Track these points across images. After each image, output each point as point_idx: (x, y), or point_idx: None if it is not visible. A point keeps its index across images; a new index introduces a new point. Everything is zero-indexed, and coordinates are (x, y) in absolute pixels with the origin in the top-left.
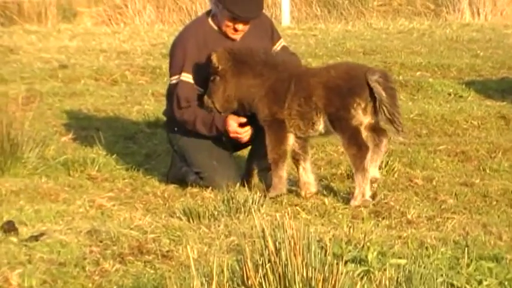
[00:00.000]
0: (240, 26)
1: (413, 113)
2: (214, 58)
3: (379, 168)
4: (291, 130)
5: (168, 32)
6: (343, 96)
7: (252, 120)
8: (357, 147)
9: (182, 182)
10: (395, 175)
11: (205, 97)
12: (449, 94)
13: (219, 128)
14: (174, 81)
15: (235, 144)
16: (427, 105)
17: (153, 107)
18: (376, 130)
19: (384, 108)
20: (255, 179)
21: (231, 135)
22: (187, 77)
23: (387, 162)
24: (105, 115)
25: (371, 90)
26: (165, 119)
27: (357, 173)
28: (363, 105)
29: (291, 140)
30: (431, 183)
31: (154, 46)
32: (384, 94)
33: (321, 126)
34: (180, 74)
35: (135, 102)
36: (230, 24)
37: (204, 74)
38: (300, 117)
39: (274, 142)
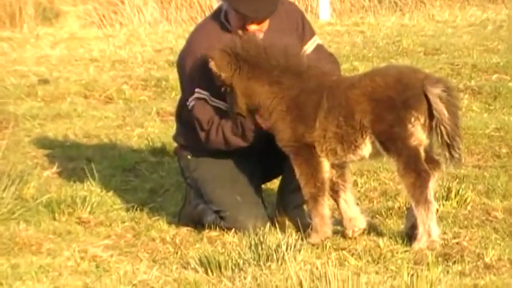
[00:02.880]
0: (252, 27)
1: (490, 128)
2: (212, 66)
3: (447, 199)
4: (323, 155)
5: (175, 33)
6: (397, 109)
7: None
8: (416, 173)
9: (198, 224)
10: (469, 207)
11: (228, 109)
12: None
13: (251, 128)
14: (191, 104)
15: (265, 170)
16: (508, 116)
17: (159, 130)
18: (427, 159)
19: (443, 129)
20: (289, 218)
21: (265, 127)
22: (201, 94)
23: (458, 190)
24: (98, 142)
25: (429, 104)
26: (175, 144)
27: (418, 207)
28: (422, 120)
29: (327, 166)
30: None
31: (158, 52)
32: (445, 113)
33: (366, 149)
34: (193, 92)
35: (136, 125)
36: (240, 25)
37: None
38: (337, 139)
39: (307, 173)
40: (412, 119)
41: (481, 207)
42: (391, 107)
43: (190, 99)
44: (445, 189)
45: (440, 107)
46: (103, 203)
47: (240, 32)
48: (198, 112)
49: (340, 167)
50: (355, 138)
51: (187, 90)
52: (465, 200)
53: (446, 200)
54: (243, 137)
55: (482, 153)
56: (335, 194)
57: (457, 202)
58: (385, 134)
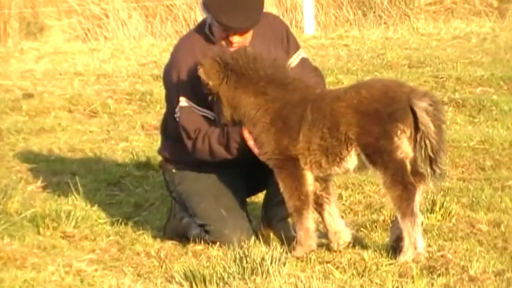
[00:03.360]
0: (235, 38)
1: (474, 140)
2: (201, 73)
3: (432, 212)
4: (307, 168)
5: (160, 47)
6: (383, 122)
7: None
8: (403, 186)
9: (183, 238)
10: (453, 220)
11: (216, 117)
12: None
13: (237, 140)
14: (178, 114)
15: (250, 184)
16: (492, 129)
17: (144, 144)
18: (413, 172)
19: (428, 143)
20: (274, 231)
21: (249, 144)
22: (186, 102)
23: (442, 203)
24: (83, 156)
25: (415, 117)
26: (159, 158)
27: (404, 219)
28: (408, 133)
29: (311, 179)
30: (498, 228)
31: (143, 66)
32: (431, 126)
33: (351, 162)
34: (178, 102)
35: (121, 138)
36: (224, 36)
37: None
38: (322, 152)
39: (291, 186)
40: (398, 132)
41: (465, 220)
42: (378, 120)
43: (177, 109)
44: (430, 202)
45: (426, 121)
46: (88, 217)
47: (223, 43)
48: (184, 121)
49: (324, 180)
50: (340, 150)
51: (173, 101)
52: (450, 213)
53: (431, 213)
54: (227, 148)
55: (467, 166)
56: (319, 207)
57: (442, 215)
58: (371, 146)
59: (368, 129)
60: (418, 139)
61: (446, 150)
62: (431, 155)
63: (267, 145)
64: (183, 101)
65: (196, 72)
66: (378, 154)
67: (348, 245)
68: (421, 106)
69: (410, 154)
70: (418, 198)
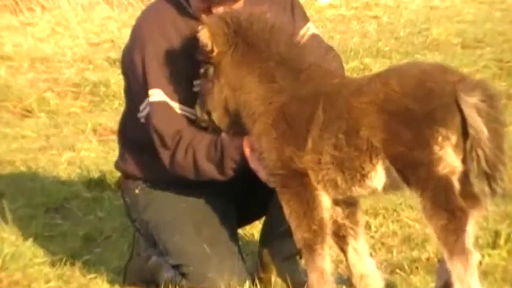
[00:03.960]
0: (220, 11)
1: None
2: (204, 34)
3: (494, 247)
4: (320, 187)
5: (118, 20)
6: (418, 125)
7: None
8: (449, 213)
9: (150, 284)
10: None
11: (197, 106)
12: None
13: (235, 157)
14: (144, 112)
15: (243, 208)
16: None
17: (96, 154)
18: (464, 193)
19: (481, 153)
20: (277, 274)
21: (252, 165)
22: (158, 95)
23: (509, 235)
24: (13, 170)
25: (463, 118)
26: (118, 174)
27: (452, 258)
28: (453, 140)
29: (327, 202)
30: None
31: (95, 47)
32: (484, 130)
33: (377, 179)
34: (147, 95)
35: (64, 147)
36: (204, 6)
37: (186, 79)
38: (337, 166)
39: (299, 212)
40: (440, 139)
41: None
42: (411, 122)
43: (142, 106)
44: (492, 233)
45: (477, 123)
46: (19, 255)
47: (204, 17)
48: (158, 122)
49: (348, 204)
50: (360, 163)
51: (137, 95)
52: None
53: (493, 249)
54: (220, 166)
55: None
56: (341, 240)
57: (508, 251)
58: (403, 159)
59: (398, 134)
60: (469, 148)
61: (506, 163)
62: (487, 169)
63: (267, 154)
64: (156, 95)
65: (171, 54)
66: (412, 169)
67: None
68: (471, 102)
69: (459, 168)
70: (472, 229)
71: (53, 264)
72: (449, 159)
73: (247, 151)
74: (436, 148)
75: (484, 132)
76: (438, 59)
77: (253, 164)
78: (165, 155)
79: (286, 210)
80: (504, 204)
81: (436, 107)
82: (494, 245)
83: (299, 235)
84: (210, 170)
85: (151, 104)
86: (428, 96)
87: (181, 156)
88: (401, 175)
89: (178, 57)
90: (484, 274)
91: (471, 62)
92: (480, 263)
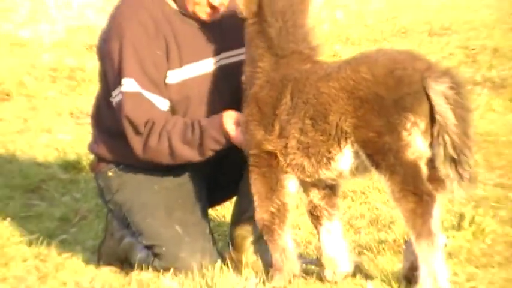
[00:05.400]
0: (216, 1)
1: None
2: (239, 1)
3: (459, 229)
4: (290, 171)
5: (95, 7)
6: (388, 112)
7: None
8: (416, 196)
9: (124, 263)
10: (488, 239)
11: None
12: None
13: (216, 136)
14: (116, 99)
15: (214, 189)
16: None
17: (73, 137)
18: (431, 178)
19: (448, 139)
20: (247, 254)
21: (236, 140)
22: (131, 85)
23: (473, 218)
24: None
25: (431, 105)
26: (91, 156)
27: (419, 241)
28: (422, 126)
29: (293, 187)
30: None
31: (72, 32)
32: (451, 116)
33: (345, 163)
34: (120, 83)
35: (42, 129)
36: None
37: (161, 70)
38: (304, 150)
39: (261, 193)
40: (409, 125)
41: (504, 240)
42: (380, 109)
43: (115, 92)
44: (457, 216)
45: (444, 110)
46: None
47: (196, 8)
48: (130, 110)
49: (325, 187)
50: (328, 148)
51: (112, 81)
52: (483, 230)
53: (458, 231)
54: (199, 148)
55: (507, 168)
56: (315, 220)
57: (473, 233)
58: (372, 144)
59: (368, 121)
60: (436, 134)
61: (473, 147)
62: (453, 154)
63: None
64: (129, 84)
65: (147, 44)
66: (381, 155)
67: (347, 276)
68: (438, 90)
69: (427, 154)
70: (438, 212)
71: (29, 244)
72: (417, 145)
73: (230, 127)
74: (404, 134)
75: (451, 118)
76: (406, 47)
77: (237, 139)
78: (136, 143)
79: (252, 190)
80: (469, 188)
81: (405, 94)
82: (459, 227)
83: (259, 215)
84: (187, 153)
85: (124, 93)
86: (398, 84)
87: (155, 142)
88: (371, 160)
89: (154, 47)
90: (449, 255)
91: (438, 49)
92: (446, 245)
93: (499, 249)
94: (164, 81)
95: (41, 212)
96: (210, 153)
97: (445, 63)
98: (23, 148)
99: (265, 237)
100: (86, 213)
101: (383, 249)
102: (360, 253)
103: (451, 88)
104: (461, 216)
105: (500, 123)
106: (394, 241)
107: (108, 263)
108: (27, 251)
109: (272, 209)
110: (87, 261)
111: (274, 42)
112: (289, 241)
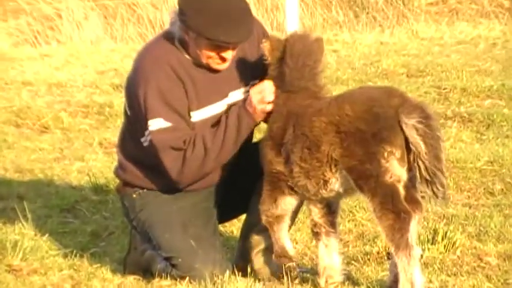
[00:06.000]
0: (228, 54)
1: (482, 160)
2: (265, 47)
3: (433, 243)
4: (297, 190)
5: (121, 52)
6: (367, 143)
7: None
8: (395, 214)
9: (146, 272)
10: (458, 252)
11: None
12: None
13: (249, 109)
14: (146, 143)
15: (225, 207)
16: (502, 147)
17: (102, 164)
18: (408, 198)
19: (421, 164)
20: (255, 263)
21: (258, 105)
22: (157, 123)
23: (445, 233)
24: (32, 177)
25: (406, 136)
26: (117, 180)
27: (398, 253)
28: (397, 154)
29: (290, 203)
30: (509, 262)
31: (101, 74)
32: (422, 146)
33: (338, 184)
34: (147, 126)
35: (76, 158)
36: (212, 54)
37: (185, 110)
38: (305, 175)
39: (266, 201)
40: (386, 154)
41: (472, 252)
42: (361, 141)
43: (144, 137)
44: (431, 231)
45: (416, 140)
46: (37, 248)
47: (210, 62)
48: (166, 140)
49: (324, 207)
50: (323, 172)
51: (141, 123)
52: (454, 244)
53: (432, 244)
54: (239, 131)
55: (474, 190)
56: (315, 235)
57: (445, 246)
58: (356, 170)
59: (352, 151)
60: (412, 160)
61: (444, 170)
62: (427, 176)
63: (260, 150)
64: (155, 123)
65: (170, 88)
66: (364, 179)
67: (337, 286)
68: (409, 124)
69: (403, 177)
70: (414, 227)
71: (65, 256)
72: (394, 170)
73: (255, 98)
74: (383, 161)
75: (422, 147)
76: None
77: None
78: (177, 162)
79: (263, 194)
80: (443, 206)
81: (381, 128)
82: (433, 241)
83: (263, 216)
84: (218, 145)
85: (152, 132)
86: (375, 119)
87: (190, 151)
88: (356, 183)
89: (176, 92)
90: (425, 265)
91: (414, 89)
92: (421, 256)
93: (467, 260)
94: (189, 121)
95: (75, 229)
96: (245, 128)
97: (413, 100)
98: (59, 174)
99: (269, 230)
100: (114, 230)
101: (368, 260)
102: (348, 263)
103: (421, 122)
104: (435, 232)
105: (468, 152)
106: (378, 253)
107: (133, 272)
108: (63, 262)
109: (272, 215)
110: (114, 271)
111: (287, 79)
112: (284, 232)
